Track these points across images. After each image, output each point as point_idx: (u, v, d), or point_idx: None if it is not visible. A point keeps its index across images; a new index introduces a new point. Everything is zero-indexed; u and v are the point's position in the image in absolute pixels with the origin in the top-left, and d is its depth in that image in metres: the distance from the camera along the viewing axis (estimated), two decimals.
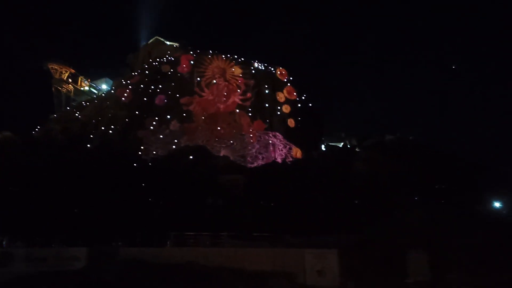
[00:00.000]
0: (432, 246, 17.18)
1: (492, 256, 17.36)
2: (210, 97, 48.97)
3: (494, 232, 20.14)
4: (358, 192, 27.43)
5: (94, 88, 65.50)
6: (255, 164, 40.84)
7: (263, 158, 43.35)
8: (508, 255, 17.26)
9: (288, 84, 54.45)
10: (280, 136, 47.11)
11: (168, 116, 45.84)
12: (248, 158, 42.82)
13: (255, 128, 46.56)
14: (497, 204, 35.51)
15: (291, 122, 49.80)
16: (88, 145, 36.86)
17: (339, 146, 47.13)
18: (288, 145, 46.39)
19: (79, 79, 63.89)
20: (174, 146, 41.22)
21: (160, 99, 48.57)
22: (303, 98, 54.88)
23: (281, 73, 55.21)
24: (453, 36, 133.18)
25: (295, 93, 53.11)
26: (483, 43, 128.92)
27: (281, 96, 51.71)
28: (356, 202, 27.92)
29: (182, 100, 47.50)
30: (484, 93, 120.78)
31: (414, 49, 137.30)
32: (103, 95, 58.77)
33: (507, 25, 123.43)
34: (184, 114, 46.53)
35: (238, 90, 50.27)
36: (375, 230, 20.29)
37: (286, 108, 50.68)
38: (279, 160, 42.27)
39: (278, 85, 53.36)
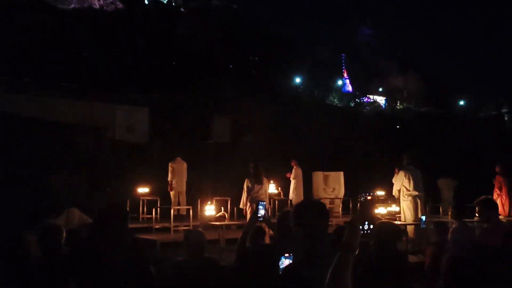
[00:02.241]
0: (235, 113, 19.15)
1: (279, 123, 20.43)
2: None
3: (285, 106, 23.49)
4: (177, 55, 27.78)
5: None
6: (67, 6, 36.48)
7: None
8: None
9: None
10: None
11: None
12: None
13: None
14: (297, 80, 40.35)
15: None
16: None
17: (164, 2, 45.00)
18: None
19: None
20: None
21: None
22: None
23: None
24: None
25: None
26: None
27: None
28: (174, 63, 28.36)
29: None
30: None
31: None
32: None
33: None
34: None
35: None
36: (187, 94, 21.41)
37: None
38: (96, 4, 38.56)
39: None
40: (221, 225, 8.39)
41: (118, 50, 26.16)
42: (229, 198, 10.90)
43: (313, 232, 2.27)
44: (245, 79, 26.82)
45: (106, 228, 2.84)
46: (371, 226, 1.99)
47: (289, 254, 2.53)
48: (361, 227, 1.93)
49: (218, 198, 10.79)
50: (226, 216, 9.31)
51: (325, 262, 2.19)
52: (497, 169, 10.40)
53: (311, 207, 2.38)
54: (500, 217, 9.49)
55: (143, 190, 11.63)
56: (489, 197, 5.50)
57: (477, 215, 5.06)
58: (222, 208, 9.86)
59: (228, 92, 21.86)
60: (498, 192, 10.23)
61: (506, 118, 41.18)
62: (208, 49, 28.79)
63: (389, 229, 3.72)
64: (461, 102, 46.15)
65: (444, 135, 26.94)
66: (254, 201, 7.56)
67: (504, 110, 41.82)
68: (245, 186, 8.47)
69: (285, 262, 2.54)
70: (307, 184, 13.96)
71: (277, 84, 29.83)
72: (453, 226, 5.48)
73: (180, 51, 28.26)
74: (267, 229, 5.21)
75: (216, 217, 8.99)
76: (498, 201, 9.82)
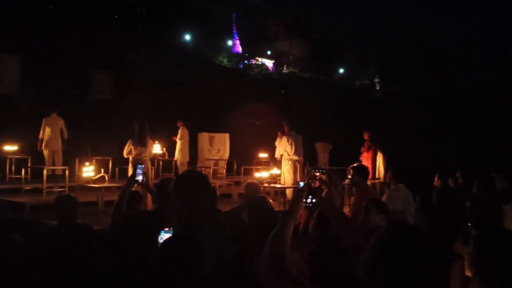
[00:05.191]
0: (118, 68, 18.03)
1: (165, 80, 19.84)
2: None
3: (172, 64, 22.81)
4: None
5: None
6: None
7: None
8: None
9: None
10: None
11: None
12: None
13: None
14: (187, 37, 39.34)
15: None
16: None
17: None
18: None
19: None
20: None
21: None
22: None
23: None
24: None
25: None
26: None
27: None
28: (51, 7, 25.57)
29: None
30: None
31: None
32: None
33: None
34: None
35: None
36: (65, 43, 19.49)
37: None
38: None
39: None
40: (100, 187, 7.96)
41: None
42: (110, 158, 10.36)
43: (193, 204, 2.20)
44: (130, 32, 25.25)
45: None
46: (314, 200, 1.98)
47: (169, 228, 2.44)
48: (305, 199, 1.93)
49: (98, 158, 10.19)
50: (106, 177, 8.85)
51: (206, 234, 2.15)
52: (365, 135, 11.37)
53: (192, 179, 2.31)
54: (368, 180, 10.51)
55: (10, 147, 10.50)
56: (362, 164, 5.97)
57: (349, 177, 5.45)
58: (102, 169, 9.34)
59: (111, 44, 20.40)
60: (366, 156, 11.24)
61: (377, 88, 45.26)
62: None
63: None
64: (341, 70, 49.47)
65: (324, 100, 28.71)
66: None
67: (376, 80, 45.87)
68: (126, 147, 8.10)
69: (164, 236, 2.45)
70: (193, 145, 13.88)
71: (165, 40, 28.71)
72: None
73: None
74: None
75: (95, 178, 8.49)
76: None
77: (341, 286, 2.43)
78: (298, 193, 1.93)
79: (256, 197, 3.12)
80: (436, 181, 6.84)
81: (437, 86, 44.86)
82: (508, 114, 35.06)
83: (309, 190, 1.95)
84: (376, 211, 3.67)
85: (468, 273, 2.17)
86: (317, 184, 1.98)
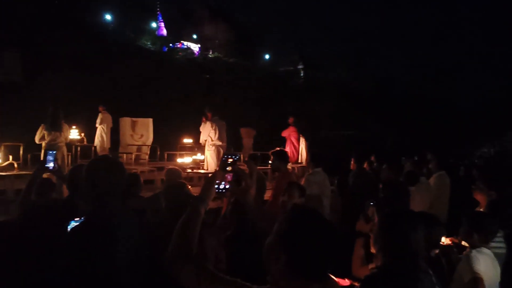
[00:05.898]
0: (29, 47, 16.76)
1: (83, 62, 18.79)
2: None
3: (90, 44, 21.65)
4: None
5: None
6: None
7: None
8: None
9: None
10: None
11: None
12: None
13: None
14: (108, 17, 37.41)
15: None
16: None
17: None
18: None
19: None
20: None
21: None
22: None
23: None
24: None
25: None
26: None
27: None
28: None
29: None
30: None
31: None
32: None
33: None
34: None
35: None
36: None
37: None
38: None
39: None
40: (9, 175, 7.42)
41: None
42: (21, 144, 9.65)
43: (103, 190, 2.13)
44: (44, 9, 23.45)
45: None
46: (227, 186, 1.96)
47: (80, 218, 2.34)
48: (217, 185, 1.91)
49: (7, 144, 9.46)
50: (16, 165, 8.26)
51: (117, 221, 2.09)
52: (290, 120, 11.66)
53: (104, 164, 2.23)
54: (290, 164, 10.82)
55: None
56: (282, 149, 6.11)
57: (270, 162, 5.56)
58: (11, 156, 8.69)
59: (22, 21, 18.81)
60: (291, 141, 11.54)
61: (301, 74, 46.41)
62: None
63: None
64: (266, 56, 50.01)
65: (249, 86, 28.90)
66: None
67: (299, 67, 46.99)
68: (38, 132, 7.61)
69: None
70: (115, 130, 13.37)
71: (84, 18, 27.06)
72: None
73: None
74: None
75: (3, 166, 7.90)
76: (288, 149, 11.12)
77: (255, 270, 2.49)
78: (210, 179, 1.92)
79: (173, 182, 3.08)
80: (353, 164, 7.19)
81: (355, 74, 46.89)
82: (417, 102, 37.79)
83: (222, 176, 1.95)
84: (298, 194, 3.80)
85: (373, 250, 2.33)
86: (231, 170, 1.98)
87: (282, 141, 11.70)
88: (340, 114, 27.22)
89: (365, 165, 7.52)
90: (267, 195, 5.94)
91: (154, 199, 4.32)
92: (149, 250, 2.27)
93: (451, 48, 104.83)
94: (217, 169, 1.96)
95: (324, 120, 24.73)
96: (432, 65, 64.55)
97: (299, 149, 11.80)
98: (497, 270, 3.07)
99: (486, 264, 2.95)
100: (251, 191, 2.11)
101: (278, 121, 16.03)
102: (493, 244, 3.35)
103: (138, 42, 34.01)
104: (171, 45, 39.69)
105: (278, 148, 5.52)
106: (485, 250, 3.09)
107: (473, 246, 3.12)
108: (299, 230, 1.49)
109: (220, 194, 1.93)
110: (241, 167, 5.67)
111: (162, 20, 45.67)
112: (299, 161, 11.82)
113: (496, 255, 3.22)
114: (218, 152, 9.11)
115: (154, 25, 43.87)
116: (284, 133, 11.40)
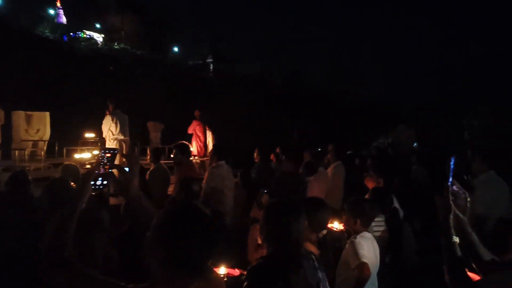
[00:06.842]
0: None
1: None
2: None
3: None
4: None
5: None
6: None
7: None
8: None
9: None
10: None
11: None
12: None
13: None
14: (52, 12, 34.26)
15: None
16: None
17: None
18: None
19: None
20: None
21: None
22: None
23: None
24: None
25: None
26: None
27: None
28: None
29: None
30: None
31: None
32: None
33: None
34: None
35: None
36: None
37: None
38: None
39: None
40: None
41: None
42: None
43: None
44: None
45: None
46: (105, 182, 1.88)
47: None
48: (94, 182, 1.85)
49: None
50: None
51: None
52: (196, 113, 11.61)
53: None
54: (196, 158, 10.79)
55: None
56: (184, 142, 6.07)
57: (172, 156, 5.51)
58: None
59: None
60: (197, 135, 11.47)
61: (211, 68, 46.26)
62: None
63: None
64: (175, 49, 49.08)
65: (157, 79, 28.17)
66: None
67: (209, 60, 46.84)
68: None
69: None
70: (7, 125, 12.30)
71: None
72: (151, 168, 5.86)
73: None
74: None
75: None
76: (194, 144, 11.07)
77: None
78: (85, 176, 1.86)
79: (55, 179, 2.93)
80: (256, 156, 7.37)
81: (266, 69, 47.89)
82: (324, 96, 39.66)
83: (100, 172, 1.89)
84: (183, 189, 3.81)
85: (259, 240, 2.42)
86: (107, 167, 1.93)
87: (190, 135, 11.58)
88: (250, 107, 27.63)
89: (272, 157, 7.75)
90: (171, 189, 5.89)
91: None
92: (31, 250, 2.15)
93: (355, 48, 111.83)
94: (93, 165, 1.90)
95: (234, 113, 24.94)
96: (339, 62, 68.10)
97: (206, 142, 11.78)
98: (377, 252, 3.37)
99: (368, 248, 3.23)
100: (134, 182, 2.08)
101: (188, 115, 15.86)
102: (374, 228, 3.68)
103: (35, 30, 31.42)
104: (72, 34, 37.23)
105: (180, 142, 5.50)
106: (367, 234, 3.37)
107: (356, 231, 3.38)
108: (174, 223, 1.51)
109: (97, 190, 1.88)
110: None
111: (61, 7, 42.71)
112: (207, 154, 11.78)
113: (376, 238, 3.54)
114: (120, 147, 8.81)
115: (52, 12, 40.85)
116: (190, 129, 11.31)
